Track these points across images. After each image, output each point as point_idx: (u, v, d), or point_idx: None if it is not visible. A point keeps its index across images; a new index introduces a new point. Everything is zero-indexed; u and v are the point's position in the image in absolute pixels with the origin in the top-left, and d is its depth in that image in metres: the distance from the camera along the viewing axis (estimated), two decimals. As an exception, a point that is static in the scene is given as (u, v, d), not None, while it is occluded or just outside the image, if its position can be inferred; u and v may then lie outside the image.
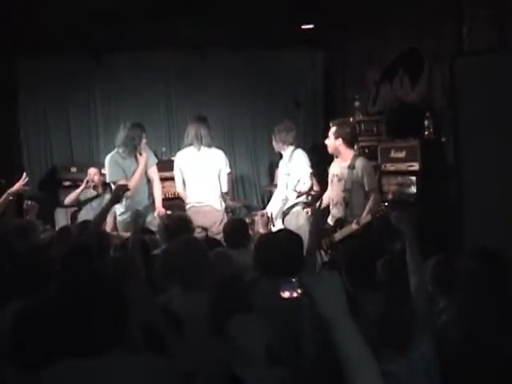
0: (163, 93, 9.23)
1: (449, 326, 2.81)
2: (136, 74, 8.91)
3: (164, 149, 8.70)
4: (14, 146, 8.88)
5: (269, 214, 6.32)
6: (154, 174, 6.71)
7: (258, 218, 6.12)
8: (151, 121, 8.86)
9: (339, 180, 5.82)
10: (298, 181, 6.19)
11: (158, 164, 6.95)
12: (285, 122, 6.79)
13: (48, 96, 8.99)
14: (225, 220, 6.30)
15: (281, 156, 6.79)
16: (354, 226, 5.44)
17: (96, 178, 7.67)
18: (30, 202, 6.94)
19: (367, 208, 5.54)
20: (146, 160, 6.59)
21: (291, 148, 6.54)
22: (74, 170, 8.45)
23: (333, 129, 5.92)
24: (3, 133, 8.62)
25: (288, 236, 3.87)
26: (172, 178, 7.77)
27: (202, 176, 6.49)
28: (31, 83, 8.90)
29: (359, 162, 5.77)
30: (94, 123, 9.10)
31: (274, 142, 6.62)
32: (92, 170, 7.73)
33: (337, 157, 5.96)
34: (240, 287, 3.07)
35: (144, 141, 6.53)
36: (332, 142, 5.85)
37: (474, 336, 2.46)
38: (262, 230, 5.67)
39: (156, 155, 7.82)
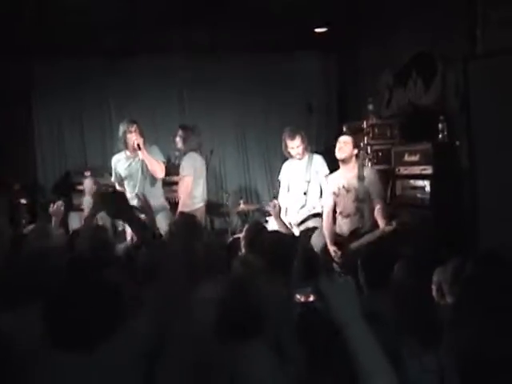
0: (177, 97, 9.31)
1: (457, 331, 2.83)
2: (149, 78, 9.03)
3: (177, 153, 8.42)
4: (28, 150, 8.96)
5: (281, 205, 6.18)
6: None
7: (270, 209, 6.07)
8: (165, 125, 8.90)
9: (348, 191, 5.78)
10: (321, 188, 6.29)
11: (171, 168, 7.13)
12: (292, 127, 6.68)
13: (61, 100, 9.00)
14: None
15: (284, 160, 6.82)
16: (386, 228, 5.31)
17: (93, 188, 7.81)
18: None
19: (381, 216, 5.49)
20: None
21: (307, 153, 6.47)
22: (87, 174, 8.45)
23: (349, 138, 5.86)
24: (17, 137, 8.68)
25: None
26: None
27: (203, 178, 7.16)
28: (45, 87, 8.93)
29: (368, 173, 5.80)
30: (108, 127, 9.11)
31: (283, 147, 6.47)
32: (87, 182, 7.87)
33: (342, 165, 5.86)
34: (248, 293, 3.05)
35: (133, 133, 6.35)
36: (351, 150, 5.80)
37: (477, 344, 2.46)
38: (274, 221, 5.59)
39: (169, 159, 7.94)
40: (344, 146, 5.84)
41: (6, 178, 8.06)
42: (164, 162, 6.65)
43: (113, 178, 6.77)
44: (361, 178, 5.76)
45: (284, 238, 4.24)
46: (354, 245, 5.45)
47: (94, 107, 9.21)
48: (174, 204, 7.19)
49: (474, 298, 2.71)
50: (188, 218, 5.14)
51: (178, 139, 7.14)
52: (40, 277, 3.06)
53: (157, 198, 6.45)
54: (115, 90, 9.15)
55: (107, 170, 7.89)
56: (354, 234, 5.59)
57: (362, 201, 5.73)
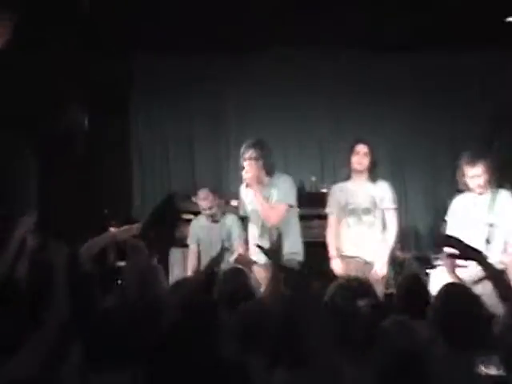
0: (315, 104, 9.02)
1: None
2: (278, 79, 8.85)
3: (314, 178, 8.50)
4: (124, 166, 9.05)
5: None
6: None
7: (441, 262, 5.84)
8: (298, 140, 8.89)
9: None
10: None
11: (303, 198, 6.90)
12: (475, 148, 6.37)
13: (167, 104, 9.09)
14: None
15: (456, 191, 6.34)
16: None
17: (205, 203, 7.35)
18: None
19: None
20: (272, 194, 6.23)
21: (490, 187, 6.06)
22: (194, 199, 8.03)
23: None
24: (110, 149, 8.76)
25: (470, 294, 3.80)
26: (322, 217, 7.48)
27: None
28: (147, 88, 9.04)
29: None
30: (224, 141, 9.07)
31: (458, 176, 6.18)
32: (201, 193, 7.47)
33: None
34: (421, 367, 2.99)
35: (247, 161, 6.17)
36: None
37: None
38: (449, 276, 5.33)
39: (303, 187, 7.89)
40: None
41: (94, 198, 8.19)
42: (289, 205, 6.23)
43: (241, 211, 6.68)
44: None
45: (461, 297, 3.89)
46: None
47: (208, 114, 9.14)
48: (311, 244, 6.88)
49: None
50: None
51: (358, 158, 6.66)
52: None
53: (288, 240, 6.07)
54: (235, 94, 9.07)
55: (221, 194, 7.82)
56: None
57: None
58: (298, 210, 6.48)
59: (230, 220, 7.16)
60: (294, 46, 8.57)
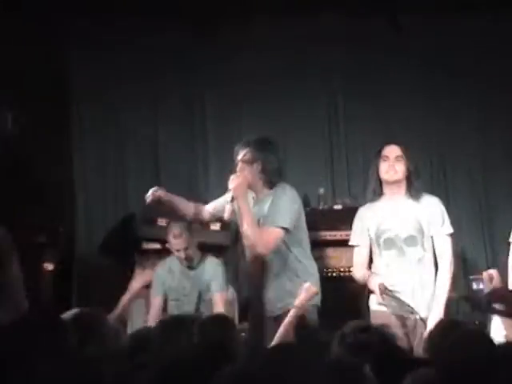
0: (323, 96, 8.64)
1: None
2: (272, 60, 8.32)
3: (322, 190, 8.10)
4: (64, 181, 8.40)
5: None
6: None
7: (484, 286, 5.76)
8: (300, 142, 8.50)
9: None
10: None
11: (309, 217, 6.24)
12: None
13: (118, 97, 8.54)
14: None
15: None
16: None
17: (178, 242, 7.04)
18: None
19: None
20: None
21: None
22: (162, 222, 8.02)
23: None
24: (45, 156, 8.13)
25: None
26: (332, 243, 7.78)
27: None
28: (90, 78, 8.48)
29: None
30: (201, 143, 8.51)
31: None
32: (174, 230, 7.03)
33: None
34: None
35: (239, 164, 5.94)
36: None
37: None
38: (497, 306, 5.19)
39: (308, 202, 7.57)
40: None
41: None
42: (283, 228, 5.70)
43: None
44: None
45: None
46: None
47: (176, 108, 8.62)
48: (326, 279, 6.50)
49: None
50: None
51: (389, 165, 6.19)
52: None
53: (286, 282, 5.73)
54: (213, 79, 8.50)
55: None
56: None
57: None
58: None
59: (211, 267, 6.98)
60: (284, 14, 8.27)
